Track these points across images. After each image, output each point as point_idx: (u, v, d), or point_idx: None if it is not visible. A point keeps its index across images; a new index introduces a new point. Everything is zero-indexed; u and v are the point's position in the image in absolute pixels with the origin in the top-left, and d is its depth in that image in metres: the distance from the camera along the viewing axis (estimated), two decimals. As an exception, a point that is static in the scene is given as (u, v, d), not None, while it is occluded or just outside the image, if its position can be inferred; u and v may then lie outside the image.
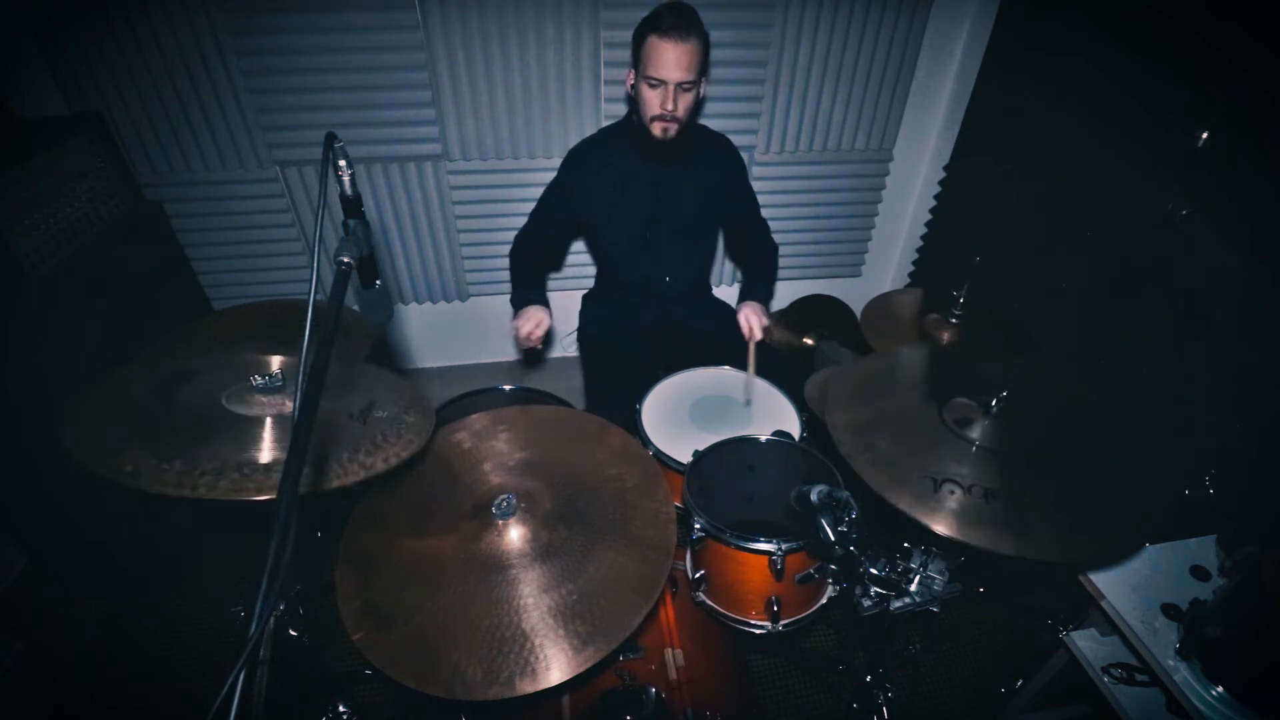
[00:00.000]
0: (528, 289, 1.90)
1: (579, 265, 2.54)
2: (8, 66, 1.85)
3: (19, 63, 1.85)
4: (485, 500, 1.20)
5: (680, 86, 1.59)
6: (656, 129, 1.65)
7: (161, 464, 0.95)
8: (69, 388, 1.52)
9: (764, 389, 1.73)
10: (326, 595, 1.10)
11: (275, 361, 1.24)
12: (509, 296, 1.94)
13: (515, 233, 2.38)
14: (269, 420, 1.09)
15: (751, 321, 1.84)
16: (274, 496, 0.92)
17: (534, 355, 1.80)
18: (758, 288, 2.00)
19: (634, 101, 1.72)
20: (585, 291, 2.17)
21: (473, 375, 2.72)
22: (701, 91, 1.69)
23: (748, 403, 1.69)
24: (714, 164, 1.88)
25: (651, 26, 1.56)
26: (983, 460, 1.15)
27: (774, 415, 1.64)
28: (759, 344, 1.79)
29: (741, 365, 1.78)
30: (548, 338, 1.84)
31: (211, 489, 0.93)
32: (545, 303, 1.86)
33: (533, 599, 1.04)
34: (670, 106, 1.60)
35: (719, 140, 1.92)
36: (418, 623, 1.03)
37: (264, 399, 1.14)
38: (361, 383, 1.27)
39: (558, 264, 2.53)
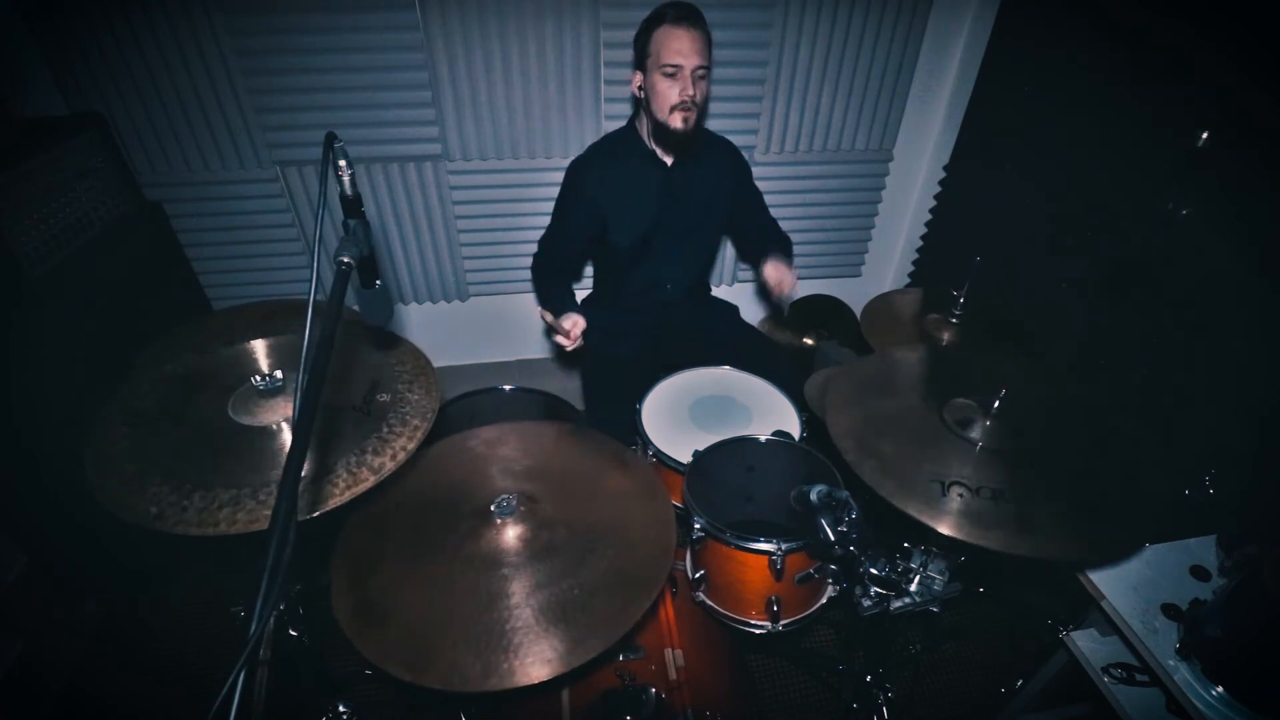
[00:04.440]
0: (563, 299, 1.85)
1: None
2: (8, 66, 1.85)
3: (19, 63, 1.85)
4: (485, 500, 1.20)
5: (696, 72, 1.60)
6: (676, 119, 1.64)
7: (182, 501, 0.97)
8: (69, 388, 1.53)
9: (763, 389, 1.73)
10: (326, 595, 1.10)
11: (276, 362, 1.24)
12: (537, 305, 1.90)
13: (515, 233, 2.40)
14: (277, 430, 1.10)
15: (783, 277, 1.77)
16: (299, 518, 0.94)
17: (570, 353, 1.77)
18: (783, 252, 1.89)
19: (641, 104, 1.72)
20: (584, 297, 2.16)
21: (473, 375, 2.72)
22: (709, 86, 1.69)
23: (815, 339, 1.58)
24: (719, 169, 1.88)
25: (659, 20, 1.58)
26: (983, 460, 1.16)
27: (774, 415, 1.64)
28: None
29: (739, 366, 1.78)
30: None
31: (231, 522, 0.95)
32: (578, 308, 1.83)
33: (527, 597, 1.05)
34: (690, 92, 1.60)
35: (722, 144, 1.91)
36: (410, 617, 1.04)
37: (269, 404, 1.14)
38: (363, 368, 1.27)
39: (578, 276, 2.49)
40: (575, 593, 1.05)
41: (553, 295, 1.88)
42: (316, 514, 0.99)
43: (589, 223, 1.86)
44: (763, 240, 1.98)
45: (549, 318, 1.72)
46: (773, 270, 1.79)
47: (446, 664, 0.96)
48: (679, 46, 1.56)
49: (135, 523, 0.95)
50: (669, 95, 1.61)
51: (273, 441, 1.09)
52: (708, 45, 1.61)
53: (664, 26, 1.57)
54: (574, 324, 1.72)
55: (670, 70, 1.59)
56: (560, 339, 1.70)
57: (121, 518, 0.95)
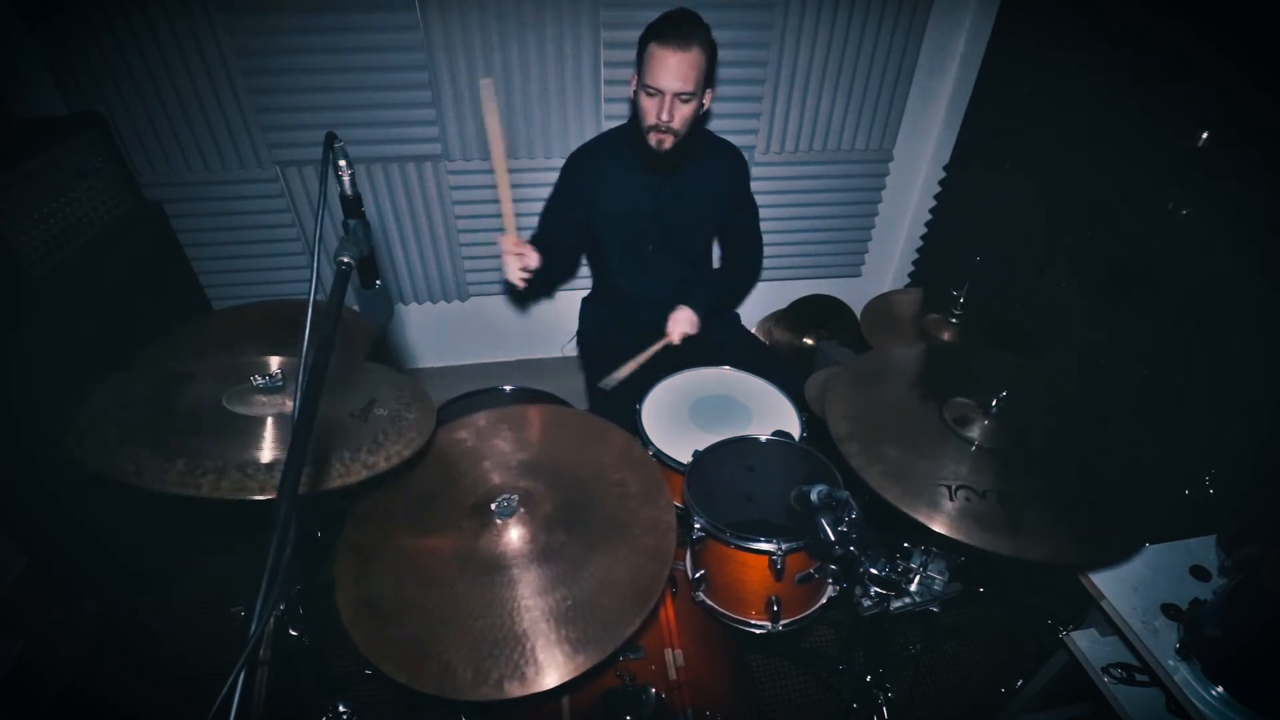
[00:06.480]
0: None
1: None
2: (8, 66, 1.85)
3: (19, 63, 1.85)
4: (485, 500, 1.20)
5: (678, 97, 1.55)
6: (652, 139, 1.64)
7: (164, 463, 0.95)
8: (69, 388, 1.53)
9: (764, 389, 1.73)
10: (326, 595, 1.10)
11: (275, 361, 1.24)
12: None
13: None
14: (270, 420, 1.09)
15: (676, 326, 1.78)
16: (275, 496, 0.93)
17: (521, 288, 1.70)
18: (699, 295, 1.89)
19: (635, 108, 1.71)
20: (585, 295, 2.16)
21: (473, 375, 2.73)
22: (705, 103, 1.65)
23: (603, 390, 1.67)
24: (717, 175, 1.85)
25: (653, 34, 1.53)
26: (983, 461, 1.15)
27: (774, 415, 1.64)
28: (667, 348, 1.77)
29: (741, 366, 1.78)
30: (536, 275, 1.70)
31: (214, 488, 0.93)
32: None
33: (528, 601, 1.04)
34: (665, 117, 1.57)
35: (725, 149, 1.88)
36: (412, 619, 1.03)
37: (265, 399, 1.14)
38: (362, 381, 1.27)
39: (571, 271, 2.50)
40: (570, 601, 1.04)
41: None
42: (310, 492, 0.98)
43: (577, 213, 1.85)
44: (726, 262, 2.01)
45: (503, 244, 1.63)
46: (674, 320, 1.79)
47: (444, 669, 0.96)
48: (663, 69, 1.52)
49: (115, 479, 0.92)
50: (648, 115, 1.60)
51: (261, 428, 1.08)
52: (700, 67, 1.54)
53: (655, 43, 1.52)
54: (512, 242, 1.61)
55: (652, 91, 1.56)
56: (510, 264, 1.63)
57: (96, 470, 0.93)
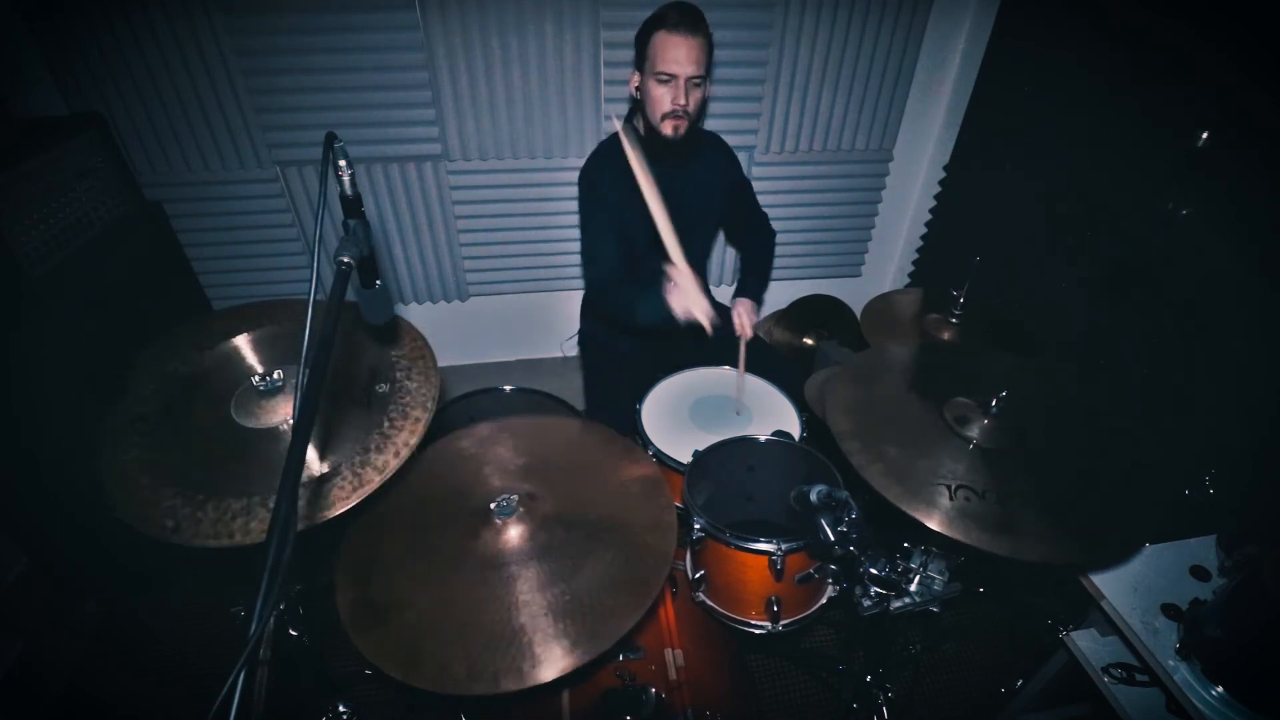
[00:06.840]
0: (652, 296, 1.70)
1: (577, 266, 2.54)
2: (8, 66, 1.85)
3: (19, 63, 1.85)
4: (486, 500, 1.20)
5: (691, 81, 1.58)
6: (667, 127, 1.64)
7: (196, 513, 0.96)
8: (69, 389, 1.54)
9: (764, 389, 1.73)
10: (326, 595, 1.10)
11: (266, 357, 1.24)
12: (636, 314, 1.72)
13: (515, 233, 2.40)
14: (281, 430, 1.09)
15: (744, 320, 1.84)
16: (306, 525, 0.93)
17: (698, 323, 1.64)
18: (751, 284, 2.02)
19: (639, 104, 1.71)
20: (583, 296, 2.16)
21: (473, 375, 2.72)
22: (707, 91, 1.68)
23: (739, 412, 1.67)
24: (714, 166, 1.88)
25: (659, 23, 1.56)
26: (984, 461, 1.15)
27: (774, 415, 1.64)
28: (749, 342, 1.78)
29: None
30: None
31: (245, 532, 0.94)
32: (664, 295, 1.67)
33: (526, 597, 1.04)
34: (682, 102, 1.59)
35: (715, 141, 1.91)
36: (410, 616, 1.04)
37: (271, 405, 1.14)
38: (360, 358, 1.26)
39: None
40: (568, 597, 1.04)
41: (639, 294, 1.75)
42: (325, 519, 0.98)
43: (613, 223, 1.84)
44: (743, 246, 2.00)
45: (696, 317, 1.62)
46: (736, 315, 1.82)
47: (440, 665, 0.96)
48: (675, 55, 1.54)
49: (155, 537, 0.94)
50: (662, 102, 1.61)
51: (278, 444, 1.09)
52: (706, 52, 1.58)
53: (662, 31, 1.55)
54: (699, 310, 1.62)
55: (664, 78, 1.57)
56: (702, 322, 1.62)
57: (142, 532, 0.95)
